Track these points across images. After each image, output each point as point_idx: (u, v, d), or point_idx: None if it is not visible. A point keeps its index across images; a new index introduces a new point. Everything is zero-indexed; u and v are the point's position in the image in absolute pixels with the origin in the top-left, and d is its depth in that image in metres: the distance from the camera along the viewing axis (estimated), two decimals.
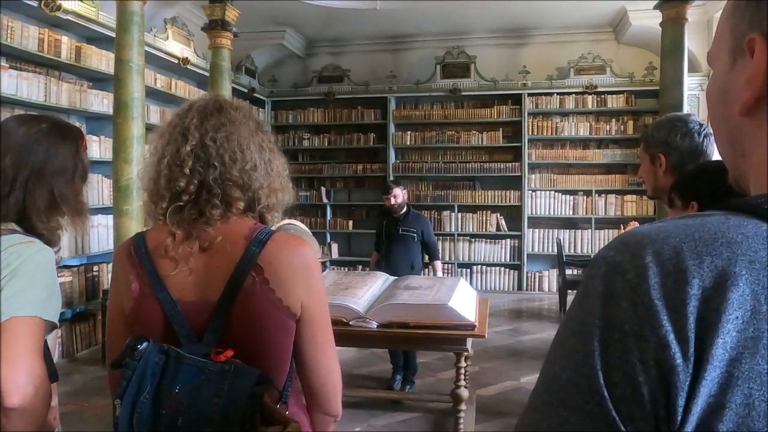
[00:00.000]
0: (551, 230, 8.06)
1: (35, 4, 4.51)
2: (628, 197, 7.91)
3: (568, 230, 8.02)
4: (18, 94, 4.41)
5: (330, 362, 1.14)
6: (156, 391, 0.98)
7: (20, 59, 4.60)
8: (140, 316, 1.09)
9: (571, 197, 8.08)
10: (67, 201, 1.28)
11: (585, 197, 8.03)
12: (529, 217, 8.10)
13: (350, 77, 8.69)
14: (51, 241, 1.26)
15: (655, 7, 6.03)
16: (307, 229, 5.39)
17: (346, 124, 8.70)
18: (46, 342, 1.16)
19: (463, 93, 8.28)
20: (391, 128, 8.48)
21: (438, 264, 4.71)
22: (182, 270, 1.07)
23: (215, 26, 6.07)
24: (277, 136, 8.69)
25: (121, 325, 1.12)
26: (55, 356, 4.62)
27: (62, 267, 4.78)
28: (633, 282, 0.46)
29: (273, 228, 1.15)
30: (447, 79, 8.34)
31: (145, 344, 0.99)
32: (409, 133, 8.51)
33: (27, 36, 4.50)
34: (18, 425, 1.02)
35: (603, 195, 7.97)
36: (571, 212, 8.07)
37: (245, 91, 8.12)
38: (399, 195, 4.38)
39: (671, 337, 0.43)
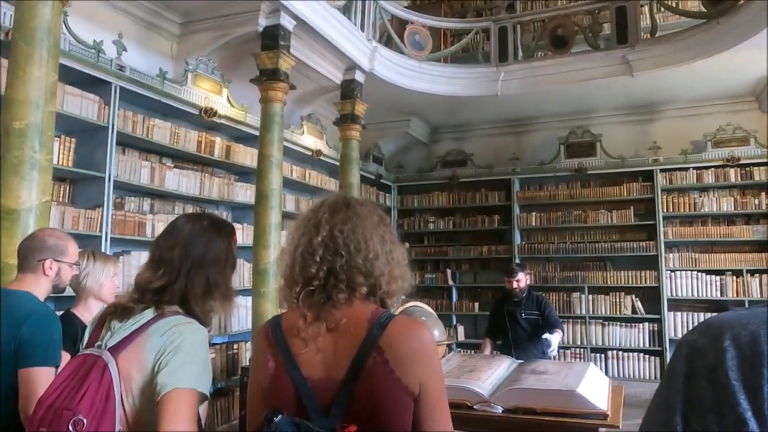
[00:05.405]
0: (696, 313, 7.39)
1: (196, 112, 5.23)
2: None
3: (716, 314, 7.30)
4: (179, 189, 5.06)
5: None
6: None
7: (182, 159, 5.30)
8: (275, 391, 1.21)
9: (718, 278, 7.41)
10: (219, 287, 1.48)
11: (734, 277, 7.33)
12: (669, 299, 7.52)
13: (473, 161, 8.88)
14: (205, 322, 1.45)
15: None
16: (432, 311, 5.43)
17: (471, 206, 8.79)
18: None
19: (589, 172, 8.10)
20: (516, 210, 8.45)
21: (557, 333, 4.15)
22: (311, 349, 1.19)
23: (346, 120, 6.55)
24: (403, 220, 9.12)
25: (260, 399, 1.24)
26: None
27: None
28: (712, 364, 0.50)
29: (398, 310, 1.25)
30: (572, 159, 8.24)
31: (279, 417, 1.10)
32: (534, 213, 8.41)
33: (189, 140, 5.19)
34: None
35: (756, 275, 7.24)
36: (718, 294, 7.38)
37: (373, 177, 8.53)
38: (522, 279, 4.30)
39: (749, 414, 0.46)
